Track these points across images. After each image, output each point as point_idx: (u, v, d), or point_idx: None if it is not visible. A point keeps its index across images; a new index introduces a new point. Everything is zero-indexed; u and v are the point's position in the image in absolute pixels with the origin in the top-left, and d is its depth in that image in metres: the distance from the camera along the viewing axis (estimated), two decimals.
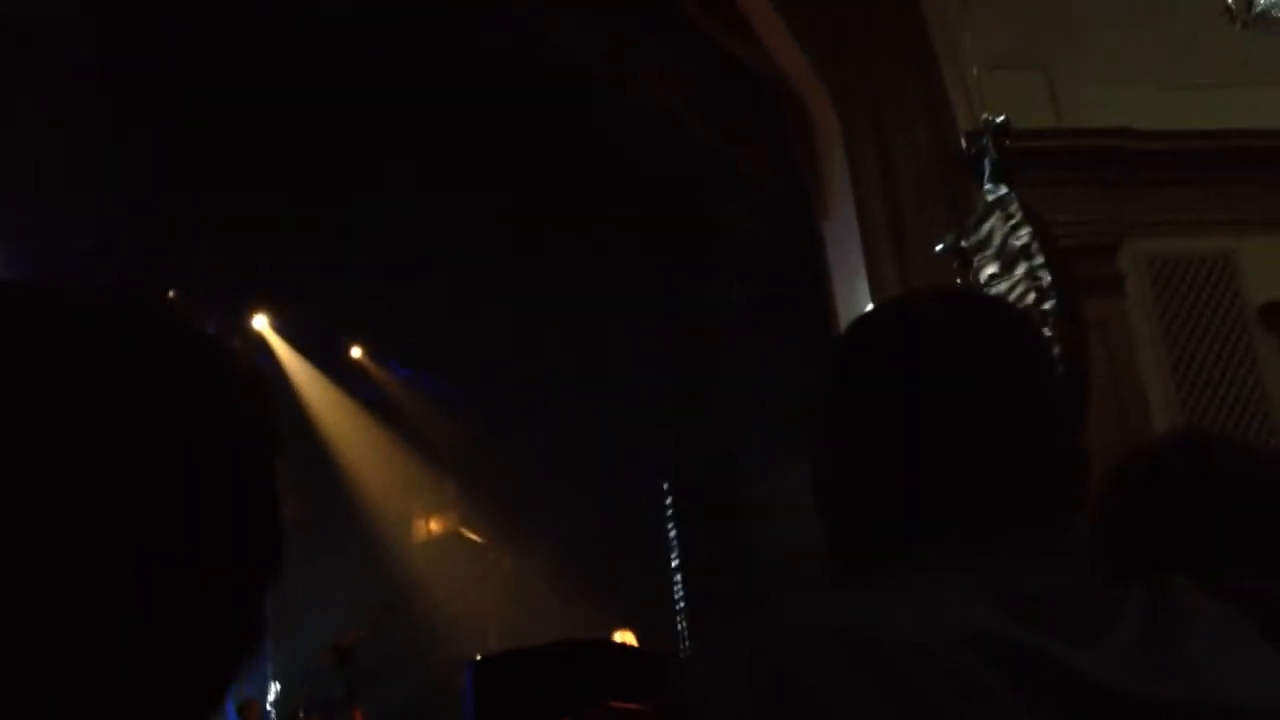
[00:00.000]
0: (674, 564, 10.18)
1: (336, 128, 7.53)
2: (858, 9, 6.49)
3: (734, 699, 0.89)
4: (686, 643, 9.71)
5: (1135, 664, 0.89)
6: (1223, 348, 6.12)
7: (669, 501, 10.32)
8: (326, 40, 6.92)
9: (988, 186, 5.42)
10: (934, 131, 6.31)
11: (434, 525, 12.66)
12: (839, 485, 1.11)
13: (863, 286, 6.30)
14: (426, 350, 10.82)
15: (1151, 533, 1.48)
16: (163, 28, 6.70)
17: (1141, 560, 1.42)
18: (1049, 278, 5.06)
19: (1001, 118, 5.42)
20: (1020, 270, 5.16)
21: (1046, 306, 5.02)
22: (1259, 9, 4.95)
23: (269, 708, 9.35)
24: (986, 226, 5.39)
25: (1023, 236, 5.19)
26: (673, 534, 10.24)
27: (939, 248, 5.66)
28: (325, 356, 11.14)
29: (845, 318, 6.42)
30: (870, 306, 5.18)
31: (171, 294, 7.54)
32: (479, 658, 4.92)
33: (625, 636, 7.86)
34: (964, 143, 5.68)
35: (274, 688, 9.51)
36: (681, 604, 10.03)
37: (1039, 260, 5.10)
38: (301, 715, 8.51)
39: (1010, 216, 5.26)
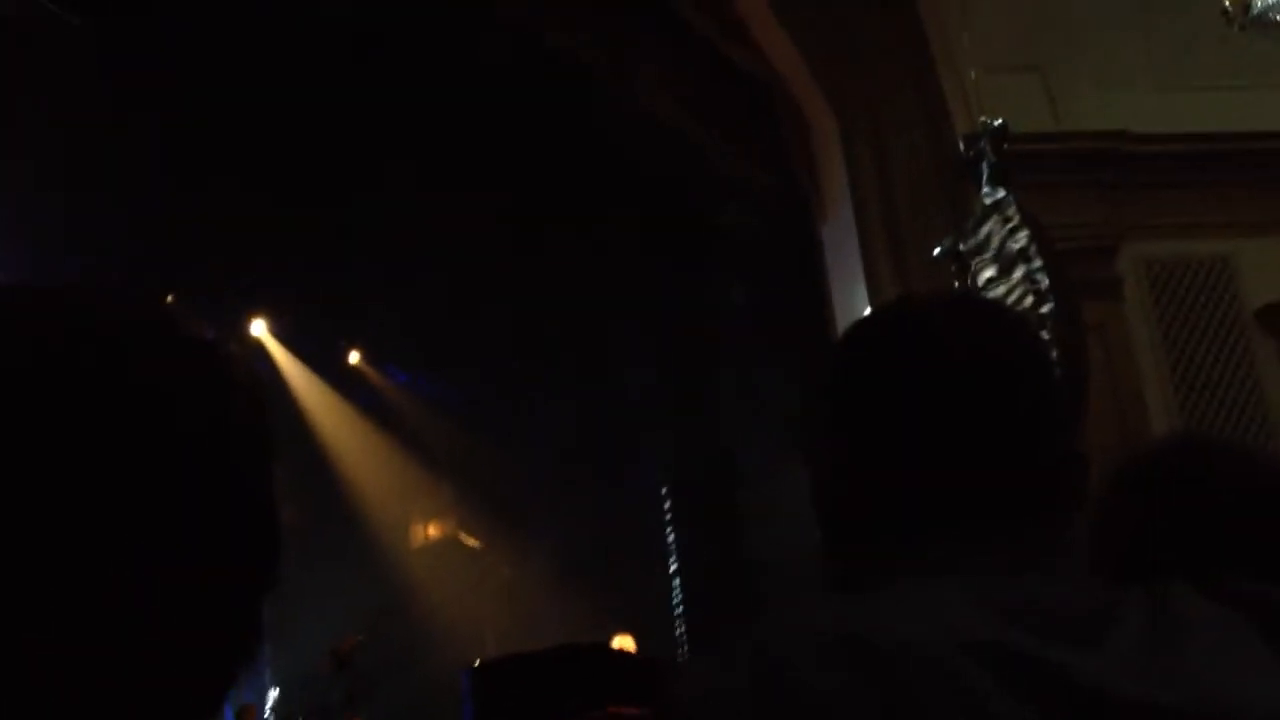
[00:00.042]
0: (673, 568, 10.17)
1: (336, 128, 7.53)
2: (855, 12, 6.50)
3: (734, 699, 0.89)
4: (685, 647, 9.70)
5: (1134, 668, 0.89)
6: (1221, 350, 6.13)
7: (668, 505, 10.32)
8: (326, 40, 6.92)
9: (985, 190, 5.42)
10: (932, 135, 6.32)
11: (432, 530, 12.65)
12: (838, 486, 1.11)
13: (861, 290, 6.30)
14: (425, 351, 10.81)
15: (1150, 536, 1.48)
16: (163, 28, 6.69)
17: (1140, 563, 1.42)
18: (1047, 281, 5.06)
19: (999, 121, 5.42)
20: (1018, 273, 5.17)
21: (1044, 309, 5.02)
22: (1256, 12, 4.95)
23: (267, 713, 9.34)
24: (984, 230, 5.39)
25: (1020, 239, 5.19)
26: (671, 538, 10.24)
27: (937, 251, 5.66)
28: (323, 361, 11.13)
29: (843, 321, 6.42)
30: (868, 310, 5.19)
31: (170, 298, 7.55)
32: (477, 663, 4.92)
33: (624, 641, 7.86)
34: (962, 146, 5.69)
35: (272, 693, 9.50)
36: (680, 608, 10.02)
37: (1037, 263, 5.11)
38: None
39: (1008, 220, 5.27)
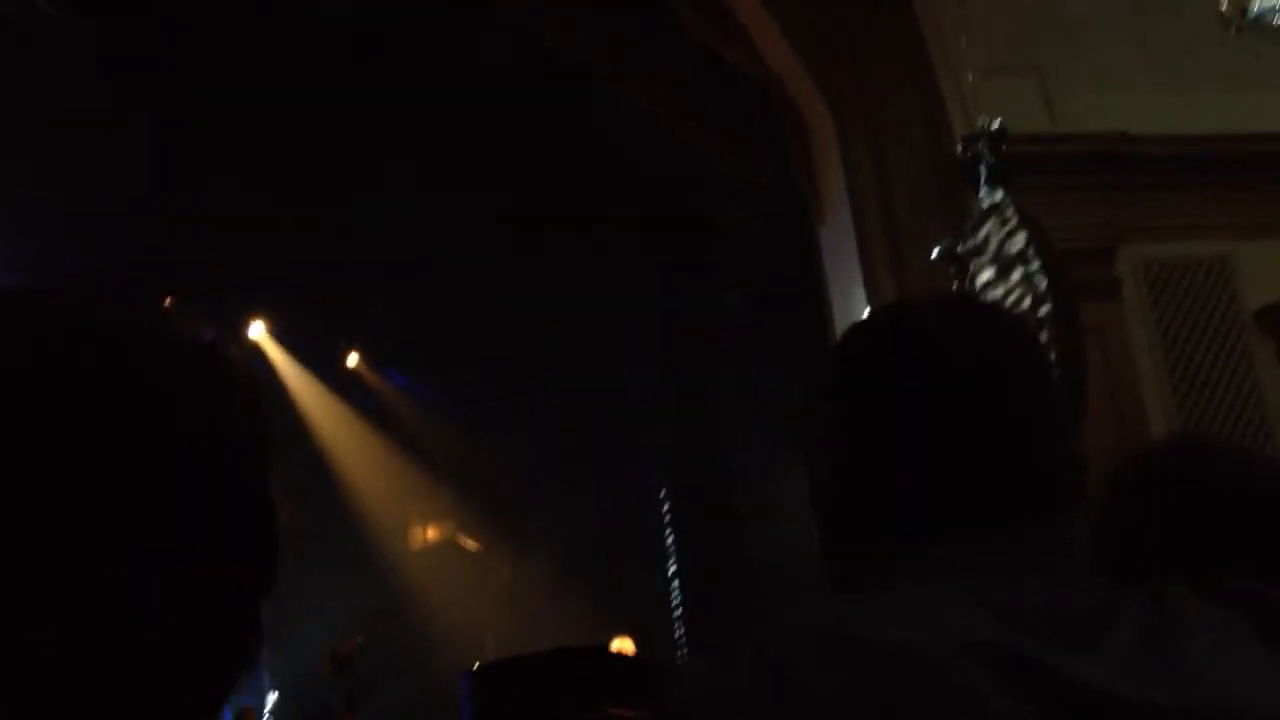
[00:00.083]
0: (671, 570, 10.17)
1: (336, 128, 7.53)
2: (853, 15, 6.50)
3: (734, 698, 0.89)
4: (685, 649, 9.70)
5: (1133, 669, 0.90)
6: (1219, 352, 6.13)
7: (666, 507, 10.32)
8: (326, 40, 6.92)
9: (984, 192, 5.42)
10: (930, 137, 6.32)
11: (430, 533, 12.64)
12: (838, 486, 1.11)
13: (859, 292, 6.30)
14: (423, 353, 10.80)
15: (1148, 537, 1.48)
16: (162, 27, 6.69)
17: (1138, 565, 1.42)
18: (1045, 283, 5.06)
19: (997, 123, 5.42)
20: (1016, 275, 5.17)
21: (1043, 311, 5.02)
22: (1253, 15, 4.96)
23: (267, 715, 9.34)
24: (983, 232, 5.39)
25: (1019, 241, 5.19)
26: (670, 540, 10.24)
27: (935, 253, 5.66)
28: (321, 364, 11.12)
29: (842, 323, 6.42)
30: (867, 312, 5.19)
31: (168, 301, 7.54)
32: (476, 665, 4.92)
33: (624, 644, 7.85)
34: (960, 148, 5.68)
35: (272, 696, 9.49)
36: (679, 610, 10.02)
37: (1035, 265, 5.11)
38: None
39: (1006, 221, 5.27)
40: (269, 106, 7.32)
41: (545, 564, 11.12)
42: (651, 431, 10.45)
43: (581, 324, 10.02)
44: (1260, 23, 5.00)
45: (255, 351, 10.54)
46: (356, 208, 8.36)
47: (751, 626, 0.95)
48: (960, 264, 5.50)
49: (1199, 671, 0.91)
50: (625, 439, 10.54)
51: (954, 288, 5.44)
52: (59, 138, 6.92)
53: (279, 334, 10.71)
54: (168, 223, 8.11)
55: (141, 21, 6.58)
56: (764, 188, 7.26)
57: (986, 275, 5.34)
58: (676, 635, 9.91)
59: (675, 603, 10.05)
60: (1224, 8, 5.01)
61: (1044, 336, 4.88)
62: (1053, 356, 4.66)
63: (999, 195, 5.34)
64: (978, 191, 5.46)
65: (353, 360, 11.39)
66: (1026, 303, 5.06)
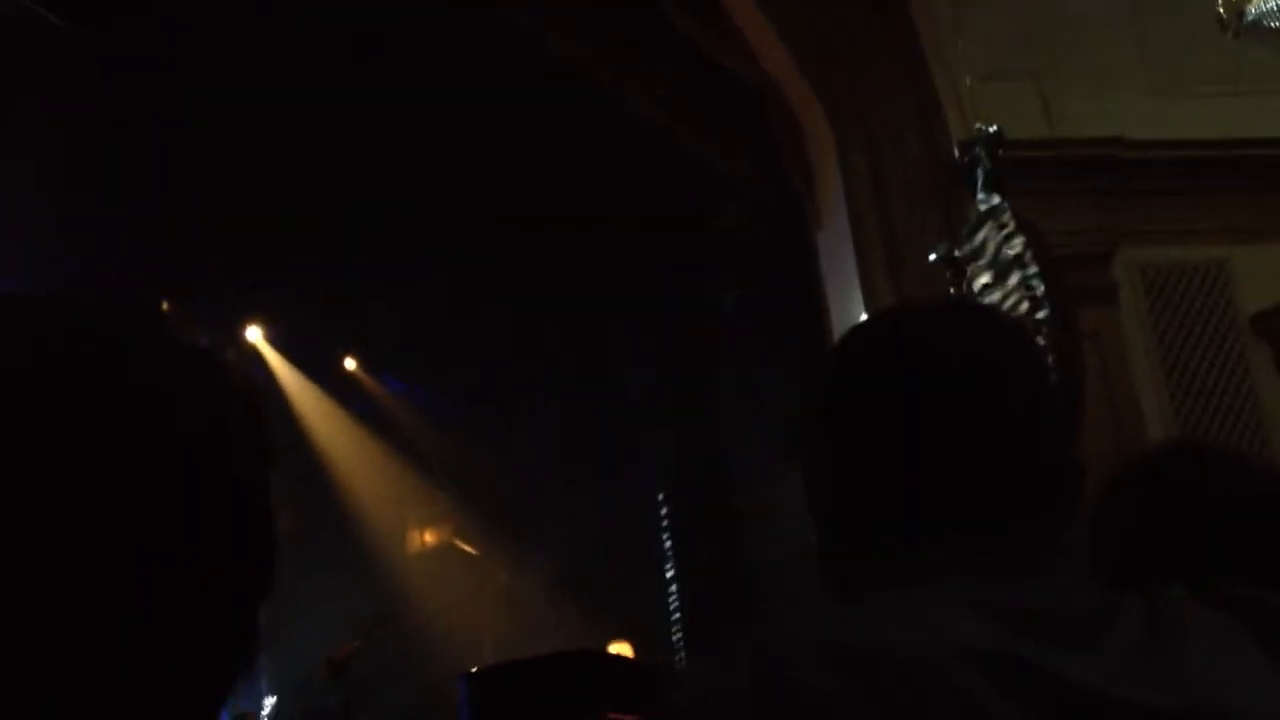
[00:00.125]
0: (669, 574, 10.16)
1: (336, 128, 7.52)
2: (849, 19, 6.51)
3: (734, 698, 0.89)
4: (683, 653, 9.69)
5: (1130, 673, 0.90)
6: (1216, 357, 6.14)
7: (664, 511, 10.31)
8: (326, 40, 6.92)
9: (980, 196, 5.42)
10: (926, 141, 6.33)
11: (428, 537, 12.62)
12: (837, 488, 1.12)
13: (856, 295, 6.31)
14: (421, 355, 10.79)
15: (1146, 541, 1.48)
16: (162, 28, 6.69)
17: (1136, 569, 1.42)
18: (1042, 287, 5.06)
19: (994, 127, 5.43)
20: (1013, 280, 5.17)
21: (1040, 316, 5.02)
22: (1251, 19, 4.96)
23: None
24: (979, 236, 5.40)
25: (1016, 246, 5.19)
26: (668, 544, 10.23)
27: (932, 258, 5.66)
28: (319, 368, 11.12)
29: (839, 326, 6.42)
30: (864, 316, 5.19)
31: (166, 305, 7.53)
32: (474, 670, 4.91)
33: (622, 648, 7.85)
34: (956, 152, 5.69)
35: (269, 700, 9.48)
36: (678, 614, 10.01)
37: (1032, 270, 5.11)
38: None
39: (1003, 226, 5.27)
40: (268, 107, 7.32)
41: (544, 568, 11.11)
42: (650, 432, 10.44)
43: (580, 325, 10.02)
44: (1257, 27, 5.01)
45: (253, 356, 10.53)
46: (356, 208, 8.36)
47: (752, 628, 0.96)
48: (957, 268, 5.50)
49: (1197, 675, 0.91)
50: (624, 440, 10.53)
51: (951, 292, 5.44)
52: (57, 139, 6.91)
53: (276, 338, 10.71)
54: (165, 224, 8.10)
55: (140, 22, 6.57)
56: (761, 190, 7.27)
57: (983, 279, 5.34)
58: (675, 639, 9.89)
59: (673, 606, 10.04)
60: (1221, 11, 5.01)
61: (1041, 341, 4.88)
62: (1050, 361, 4.66)
63: (996, 199, 5.34)
64: (974, 196, 5.46)
65: (350, 364, 11.39)
66: (1024, 307, 5.06)
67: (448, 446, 11.42)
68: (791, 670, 0.88)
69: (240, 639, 0.75)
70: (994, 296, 5.20)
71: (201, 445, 0.73)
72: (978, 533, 1.03)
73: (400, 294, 9.57)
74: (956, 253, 5.52)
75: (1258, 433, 6.01)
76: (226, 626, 0.74)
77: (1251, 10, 4.95)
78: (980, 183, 5.42)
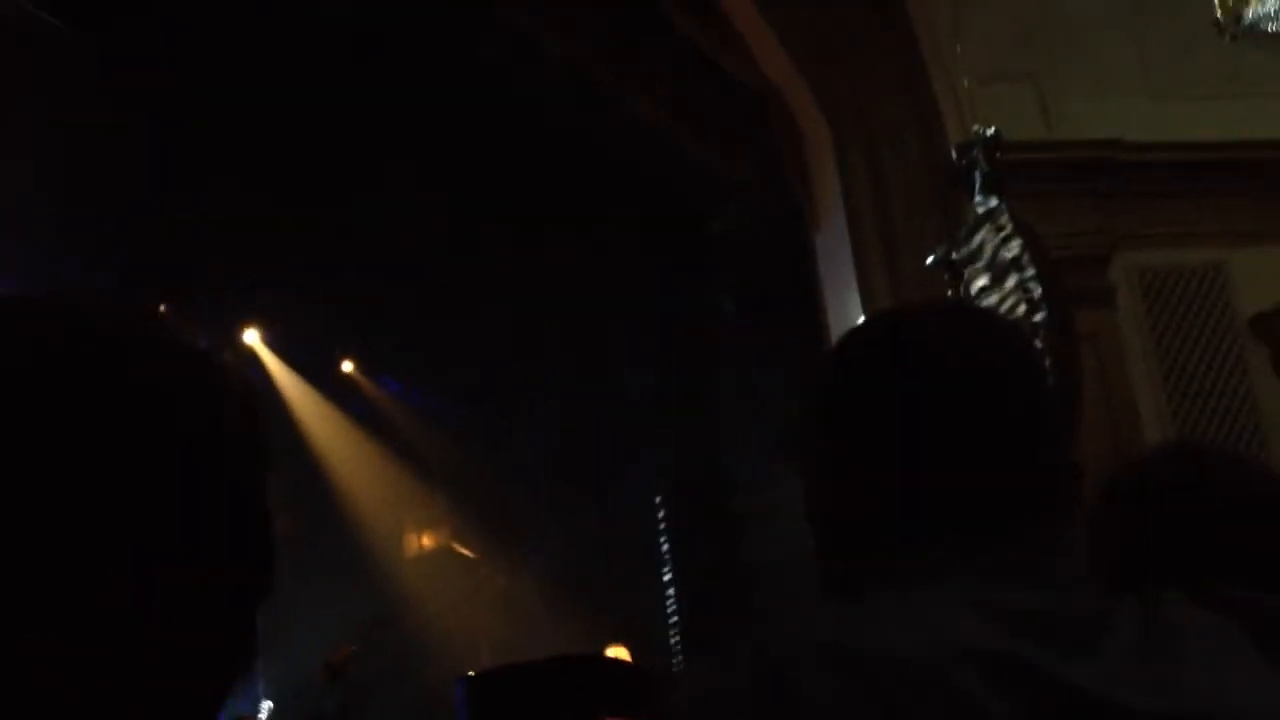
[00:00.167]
0: (666, 577, 10.15)
1: (335, 129, 7.52)
2: (848, 21, 6.51)
3: (734, 698, 0.90)
4: (680, 656, 9.68)
5: (1128, 675, 0.90)
6: (1214, 359, 6.14)
7: (661, 514, 10.30)
8: (326, 40, 6.91)
9: (978, 199, 5.43)
10: (924, 143, 6.33)
11: (426, 540, 12.62)
12: (837, 488, 1.12)
13: (854, 298, 6.31)
14: (419, 357, 10.79)
15: (1143, 544, 1.48)
16: (161, 28, 6.69)
17: (1133, 571, 1.42)
18: (1040, 290, 5.07)
19: (992, 130, 5.43)
20: (1011, 282, 5.17)
21: (1037, 318, 5.02)
22: (1248, 22, 4.97)
23: None
24: (977, 239, 5.40)
25: (1013, 249, 5.20)
26: (665, 547, 10.22)
27: (930, 260, 5.67)
28: (316, 370, 11.12)
29: (837, 328, 6.42)
30: (862, 318, 5.19)
31: (163, 308, 7.52)
32: (471, 673, 4.90)
33: (619, 652, 7.84)
34: (954, 155, 5.70)
35: (266, 705, 9.47)
36: (675, 617, 10.00)
37: (1030, 272, 5.11)
38: None
39: (1001, 229, 5.27)
40: (268, 107, 7.31)
41: (542, 571, 11.11)
42: (649, 434, 10.44)
43: (580, 325, 10.02)
44: (1255, 29, 5.02)
45: (250, 358, 10.53)
46: (355, 208, 8.36)
47: (751, 629, 0.96)
48: (955, 271, 5.50)
49: (1195, 677, 0.91)
50: (623, 441, 10.52)
51: (949, 294, 5.44)
52: (56, 139, 6.91)
53: (273, 341, 10.71)
54: (163, 225, 8.10)
55: (140, 22, 6.57)
56: (761, 191, 7.27)
57: (981, 282, 5.34)
58: (673, 642, 9.89)
59: (670, 610, 10.04)
60: (1219, 14, 5.02)
61: (1039, 343, 4.88)
62: (1047, 363, 4.66)
63: (994, 202, 5.34)
64: (972, 198, 5.47)
65: (348, 367, 11.39)
66: (1021, 309, 5.06)
67: (446, 448, 11.42)
68: (791, 671, 0.88)
69: (239, 640, 0.75)
70: (991, 299, 5.20)
71: (202, 444, 0.73)
72: (978, 532, 1.04)
73: (400, 294, 9.56)
74: (954, 255, 5.52)
75: (1255, 434, 6.02)
76: (226, 627, 0.74)
77: (1249, 13, 4.96)
78: (978, 185, 5.42)
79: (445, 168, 7.90)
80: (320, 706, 7.62)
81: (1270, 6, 4.91)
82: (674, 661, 9.55)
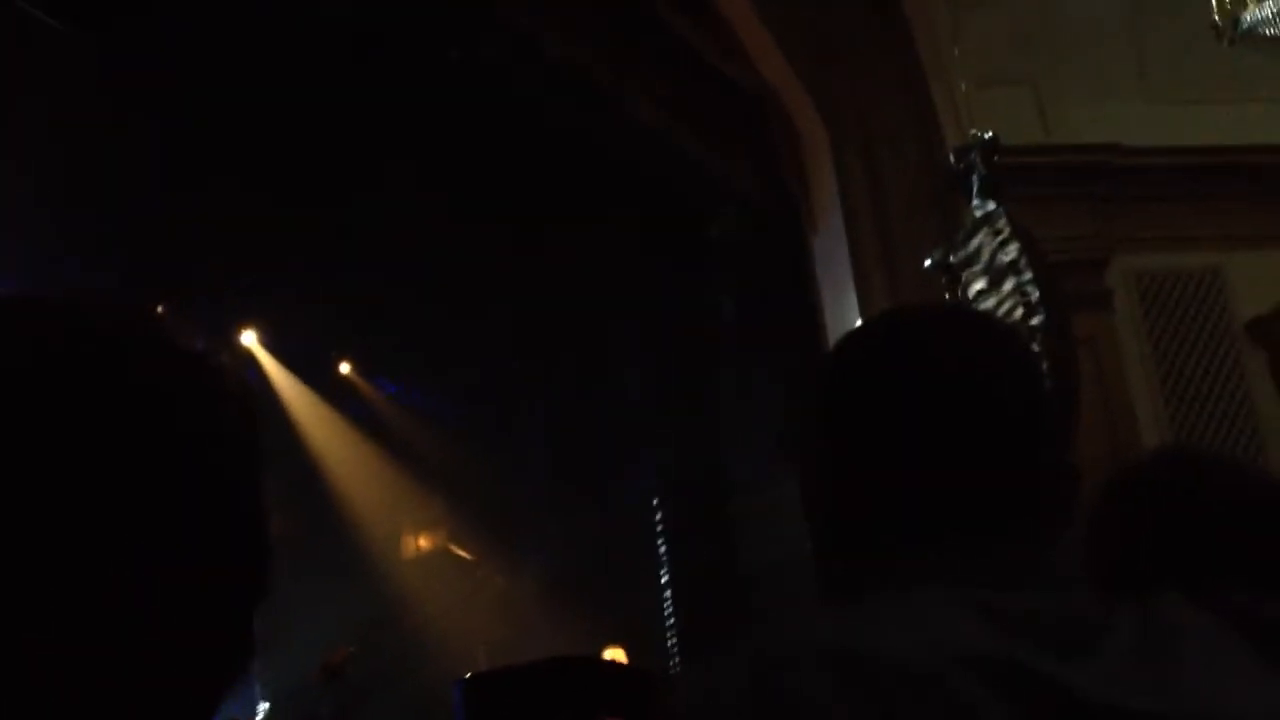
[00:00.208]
0: (664, 580, 10.15)
1: (335, 129, 7.52)
2: (846, 24, 6.51)
3: (734, 699, 0.90)
4: (677, 659, 9.68)
5: (1126, 678, 0.90)
6: (1211, 363, 6.14)
7: (659, 516, 10.30)
8: (326, 40, 6.91)
9: (976, 202, 5.43)
10: (922, 147, 6.33)
11: (423, 542, 12.61)
12: (838, 486, 1.12)
13: (851, 301, 6.31)
14: (417, 359, 10.78)
15: (1141, 547, 1.48)
16: (161, 28, 6.68)
17: (1131, 574, 1.42)
18: (1037, 293, 5.07)
19: (990, 133, 5.44)
20: (1008, 286, 5.17)
21: (1035, 322, 5.03)
22: (1246, 26, 4.97)
23: None
24: (975, 242, 5.40)
25: (1011, 252, 5.20)
26: (663, 549, 10.22)
27: (927, 263, 5.67)
28: (313, 372, 11.11)
29: (834, 330, 6.43)
30: (859, 321, 5.19)
31: (160, 309, 7.51)
32: (469, 675, 4.90)
33: (616, 654, 7.84)
34: (952, 158, 5.70)
35: (262, 706, 9.46)
36: (672, 619, 10.00)
37: (1027, 276, 5.12)
38: None
39: (999, 232, 5.27)
40: (267, 107, 7.31)
41: (539, 572, 11.10)
42: (649, 434, 10.43)
43: (579, 326, 10.02)
44: (1253, 34, 5.02)
45: (248, 360, 10.52)
46: (355, 209, 8.36)
47: (752, 629, 0.96)
48: (952, 274, 5.51)
49: (1193, 680, 0.91)
50: (623, 442, 10.52)
51: (946, 298, 5.44)
52: (56, 140, 6.91)
53: (271, 342, 10.70)
54: (162, 225, 8.10)
55: (139, 23, 6.57)
56: (759, 194, 7.28)
57: (979, 285, 5.34)
58: (669, 644, 9.89)
59: (667, 612, 10.03)
60: (1217, 19, 5.02)
61: (1036, 347, 4.88)
62: (1045, 367, 4.66)
63: (991, 206, 5.35)
64: (970, 202, 5.47)
65: (345, 368, 11.39)
66: (1018, 313, 5.06)
67: (443, 449, 11.42)
68: (791, 673, 0.88)
69: (238, 640, 0.75)
70: (989, 302, 5.21)
71: (201, 444, 0.74)
72: (976, 533, 1.04)
73: (399, 295, 9.56)
74: (951, 258, 5.52)
75: (1253, 438, 6.02)
76: (224, 627, 0.74)
77: (1247, 18, 4.96)
78: (976, 188, 5.42)
79: (445, 168, 7.90)
80: (317, 708, 7.62)
81: (1268, 10, 4.92)
82: (670, 664, 9.54)
